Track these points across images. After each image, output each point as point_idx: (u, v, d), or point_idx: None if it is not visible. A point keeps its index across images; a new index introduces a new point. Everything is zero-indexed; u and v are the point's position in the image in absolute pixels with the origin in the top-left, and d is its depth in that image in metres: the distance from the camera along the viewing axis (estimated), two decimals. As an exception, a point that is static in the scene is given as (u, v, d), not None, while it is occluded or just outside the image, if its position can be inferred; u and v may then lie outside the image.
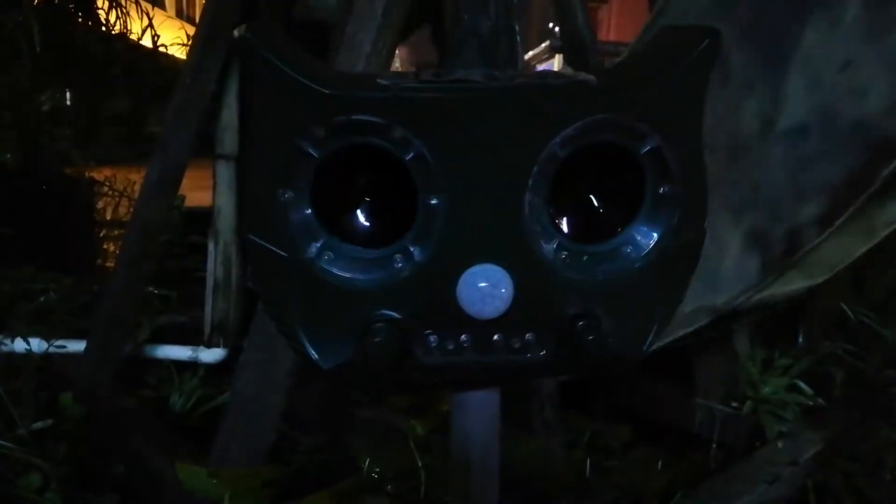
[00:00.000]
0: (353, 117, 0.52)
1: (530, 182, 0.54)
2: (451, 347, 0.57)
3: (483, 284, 0.55)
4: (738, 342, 1.86)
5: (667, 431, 1.88)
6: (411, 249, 0.55)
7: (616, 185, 0.59)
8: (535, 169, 0.54)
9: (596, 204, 0.61)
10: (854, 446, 1.82)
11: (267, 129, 0.52)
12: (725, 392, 1.87)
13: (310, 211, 0.54)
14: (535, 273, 0.56)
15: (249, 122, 0.52)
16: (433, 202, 0.54)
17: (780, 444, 1.75)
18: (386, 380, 0.60)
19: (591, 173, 0.59)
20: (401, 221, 0.55)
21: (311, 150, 0.53)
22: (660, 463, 1.55)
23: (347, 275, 0.55)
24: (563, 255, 0.57)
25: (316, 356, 0.56)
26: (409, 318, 0.56)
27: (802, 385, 1.93)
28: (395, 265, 0.55)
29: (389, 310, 0.56)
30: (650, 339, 0.60)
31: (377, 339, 0.54)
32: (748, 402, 1.84)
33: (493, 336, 0.57)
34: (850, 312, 2.22)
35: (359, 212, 0.58)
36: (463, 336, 0.57)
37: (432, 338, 0.57)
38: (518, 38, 1.88)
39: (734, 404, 1.85)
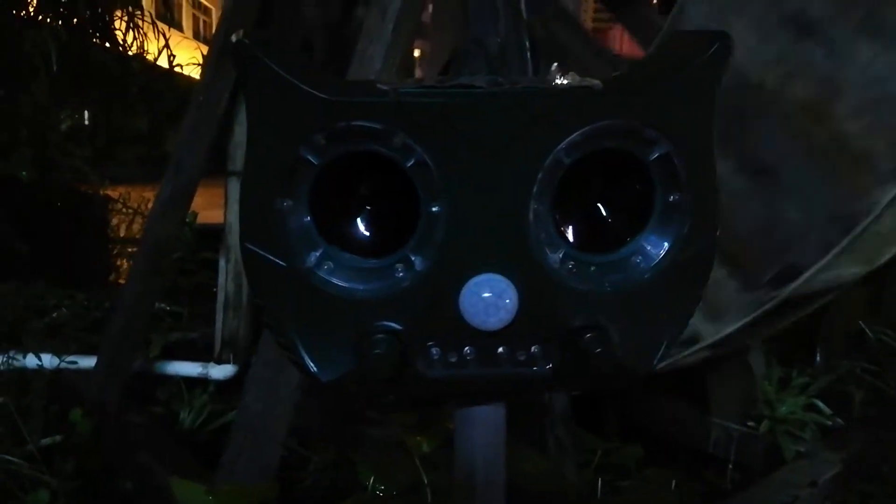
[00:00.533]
0: (353, 123, 0.51)
1: (535, 189, 0.53)
2: (453, 360, 0.55)
3: (487, 295, 0.53)
4: (754, 360, 1.83)
5: (682, 451, 1.85)
6: (413, 259, 0.54)
7: (624, 193, 0.58)
8: (540, 176, 0.52)
9: (604, 212, 0.59)
10: (874, 467, 1.77)
11: (265, 135, 0.51)
12: (742, 411, 1.83)
13: (309, 219, 0.53)
14: (540, 283, 0.54)
15: (248, 129, 0.51)
16: (435, 210, 0.52)
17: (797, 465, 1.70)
18: (386, 393, 0.58)
19: (598, 181, 0.58)
20: (402, 230, 0.54)
21: (310, 157, 0.51)
22: (673, 483, 1.52)
23: (347, 285, 0.54)
24: (570, 264, 0.55)
25: (314, 368, 0.54)
26: (411, 329, 0.54)
27: (820, 404, 1.89)
28: (396, 275, 0.54)
29: (390, 321, 0.54)
30: (660, 352, 0.58)
31: (377, 351, 0.52)
32: (765, 422, 1.81)
33: (497, 348, 0.56)
34: (868, 331, 2.18)
35: (359, 220, 0.57)
36: (466, 348, 0.55)
37: (434, 350, 0.55)
38: (528, 53, 1.87)
39: (750, 424, 1.82)
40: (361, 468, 1.13)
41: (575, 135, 0.52)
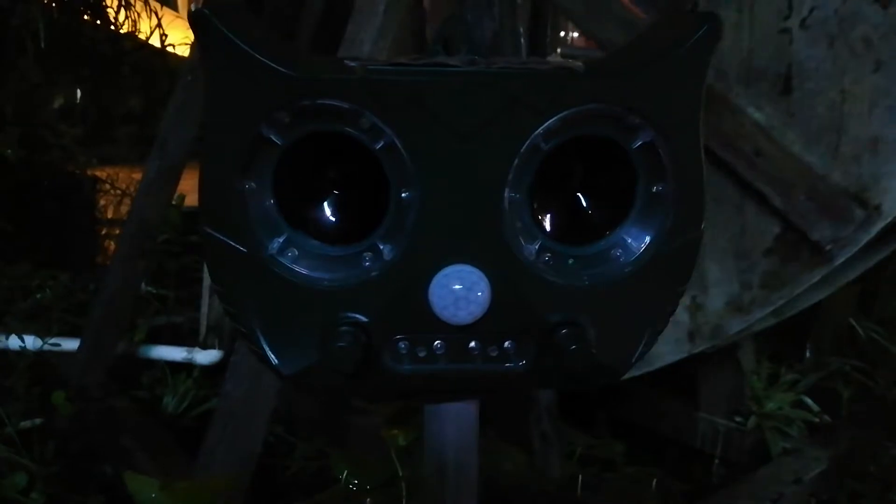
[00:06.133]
0: (319, 102, 0.48)
1: (510, 177, 0.50)
2: (422, 355, 0.53)
3: (457, 287, 0.50)
4: (743, 356, 1.81)
5: (669, 445, 1.84)
6: (381, 247, 0.51)
7: (606, 183, 0.55)
8: (516, 162, 0.50)
9: (584, 203, 0.56)
10: (861, 465, 1.76)
11: (225, 112, 0.49)
12: (729, 407, 1.82)
13: (272, 203, 0.51)
14: (514, 276, 0.52)
15: (207, 106, 0.48)
16: (405, 196, 0.50)
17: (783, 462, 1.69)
18: (352, 388, 0.56)
19: (578, 169, 0.55)
20: (371, 217, 0.51)
21: (273, 137, 0.49)
22: (655, 480, 1.51)
23: (311, 273, 0.51)
24: (546, 256, 0.53)
25: (276, 361, 0.52)
26: (378, 321, 0.52)
27: (808, 401, 1.88)
28: (364, 264, 0.51)
29: (356, 312, 0.52)
30: (639, 350, 0.55)
31: (341, 344, 0.50)
32: (752, 418, 1.79)
33: (468, 343, 0.53)
34: (859, 328, 2.17)
35: (326, 205, 0.54)
36: (436, 342, 0.53)
37: (403, 344, 0.53)
38: (522, 40, 1.83)
39: (738, 419, 1.80)
40: (336, 461, 1.11)
41: (553, 119, 0.49)
